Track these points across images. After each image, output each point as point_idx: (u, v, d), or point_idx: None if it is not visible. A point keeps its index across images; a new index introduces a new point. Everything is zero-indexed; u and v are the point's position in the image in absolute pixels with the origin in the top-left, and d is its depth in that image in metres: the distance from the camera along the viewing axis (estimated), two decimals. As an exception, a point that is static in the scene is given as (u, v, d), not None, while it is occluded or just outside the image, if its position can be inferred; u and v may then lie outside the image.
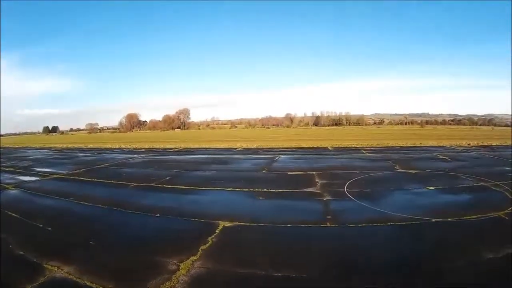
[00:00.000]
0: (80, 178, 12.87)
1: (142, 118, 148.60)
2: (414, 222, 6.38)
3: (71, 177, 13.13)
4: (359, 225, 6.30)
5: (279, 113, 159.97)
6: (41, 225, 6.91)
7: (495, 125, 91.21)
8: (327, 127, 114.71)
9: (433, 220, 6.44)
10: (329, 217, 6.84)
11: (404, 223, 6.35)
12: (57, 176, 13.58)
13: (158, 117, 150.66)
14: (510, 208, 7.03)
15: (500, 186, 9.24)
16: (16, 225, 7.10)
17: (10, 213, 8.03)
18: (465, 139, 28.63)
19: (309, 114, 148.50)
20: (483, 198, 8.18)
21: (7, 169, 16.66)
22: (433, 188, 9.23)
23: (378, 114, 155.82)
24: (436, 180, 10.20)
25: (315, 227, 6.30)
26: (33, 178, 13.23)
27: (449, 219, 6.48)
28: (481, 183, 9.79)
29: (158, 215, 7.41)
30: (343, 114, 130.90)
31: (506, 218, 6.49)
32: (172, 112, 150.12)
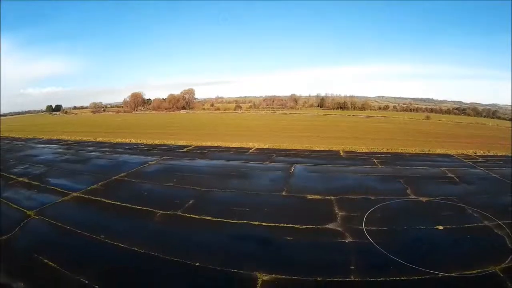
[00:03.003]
0: (101, 199, 13.48)
1: (146, 97, 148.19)
2: (423, 277, 7.56)
3: (92, 198, 13.75)
4: (378, 279, 7.52)
5: (284, 93, 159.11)
6: (87, 281, 7.21)
7: (499, 118, 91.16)
8: (332, 110, 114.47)
9: (440, 275, 7.60)
10: (352, 267, 8.03)
11: (416, 277, 7.55)
12: (77, 194, 14.23)
13: (162, 95, 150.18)
14: (507, 261, 8.12)
15: (502, 228, 10.31)
16: (60, 283, 7.21)
17: (46, 260, 8.07)
18: (471, 144, 29.52)
19: (313, 94, 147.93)
20: (486, 245, 9.29)
21: (20, 179, 17.24)
22: (442, 227, 10.35)
23: (382, 96, 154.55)
24: (445, 216, 11.31)
25: (343, 281, 7.49)
26: (53, 198, 13.69)
27: (453, 274, 7.62)
28: (485, 221, 10.84)
29: (198, 263, 8.08)
30: (348, 96, 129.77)
31: (501, 275, 7.58)
32: (176, 90, 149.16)
